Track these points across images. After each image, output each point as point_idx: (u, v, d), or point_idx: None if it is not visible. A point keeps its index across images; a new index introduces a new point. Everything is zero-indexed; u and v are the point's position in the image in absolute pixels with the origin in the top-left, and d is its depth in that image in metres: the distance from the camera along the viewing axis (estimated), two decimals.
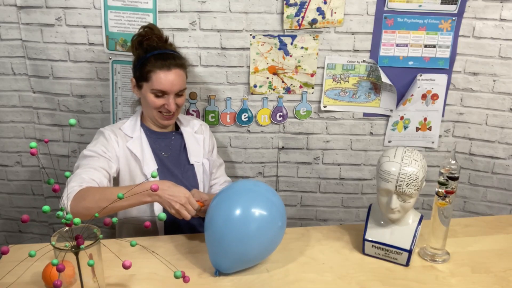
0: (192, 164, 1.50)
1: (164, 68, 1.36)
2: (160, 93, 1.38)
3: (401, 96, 1.82)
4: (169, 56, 1.39)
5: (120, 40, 1.71)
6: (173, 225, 1.42)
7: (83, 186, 1.19)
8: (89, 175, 1.25)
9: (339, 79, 1.81)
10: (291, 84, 1.81)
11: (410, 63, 1.78)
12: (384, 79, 1.76)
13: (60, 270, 0.79)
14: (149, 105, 1.40)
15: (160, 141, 1.48)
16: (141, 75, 1.40)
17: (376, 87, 1.83)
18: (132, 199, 1.16)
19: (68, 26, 1.69)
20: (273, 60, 1.76)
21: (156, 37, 1.43)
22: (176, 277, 0.87)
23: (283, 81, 1.80)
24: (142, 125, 1.48)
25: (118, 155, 1.39)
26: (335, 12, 1.70)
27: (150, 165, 1.40)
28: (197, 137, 1.54)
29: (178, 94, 1.41)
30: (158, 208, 1.37)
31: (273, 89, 1.81)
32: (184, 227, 1.44)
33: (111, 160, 1.36)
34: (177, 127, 1.56)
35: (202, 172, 1.51)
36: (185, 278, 0.88)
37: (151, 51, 1.40)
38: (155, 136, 1.48)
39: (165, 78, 1.36)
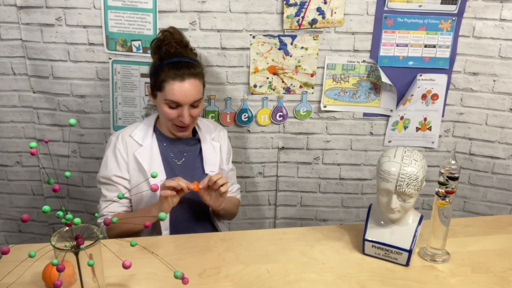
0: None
1: (178, 79, 1.29)
2: (174, 105, 1.32)
3: (401, 96, 1.82)
4: (184, 64, 1.32)
5: (120, 40, 1.71)
6: (177, 231, 1.41)
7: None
8: (109, 209, 1.38)
9: (339, 79, 1.80)
10: (291, 84, 1.81)
11: (410, 63, 1.78)
12: (384, 79, 1.76)
13: (60, 270, 0.79)
14: (164, 116, 1.36)
15: (174, 147, 1.44)
16: (155, 84, 1.35)
17: (376, 87, 1.83)
18: (145, 214, 1.31)
19: (68, 26, 1.69)
20: (273, 60, 1.76)
21: (175, 42, 1.37)
22: (176, 277, 0.87)
23: (283, 81, 1.80)
24: (156, 130, 1.44)
25: (128, 165, 1.39)
26: (335, 12, 1.70)
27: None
28: (214, 145, 1.49)
29: (193, 105, 1.34)
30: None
31: (273, 89, 1.81)
32: (188, 228, 1.43)
33: (123, 181, 1.39)
34: (194, 132, 1.50)
35: None
36: (184, 280, 0.88)
37: (168, 58, 1.34)
38: (169, 142, 1.44)
39: (179, 89, 1.29)
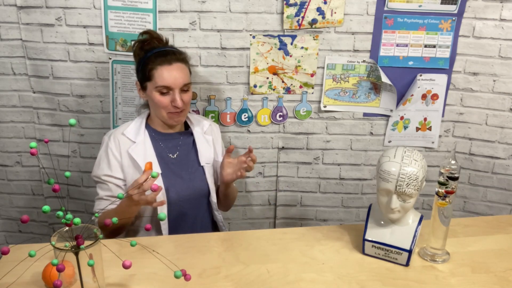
0: (202, 166, 1.47)
1: (165, 64, 1.34)
2: (165, 90, 1.35)
3: (401, 96, 1.82)
4: (169, 52, 1.38)
5: (120, 40, 1.71)
6: (177, 226, 1.42)
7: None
8: (101, 207, 1.38)
9: (339, 79, 1.81)
10: (291, 84, 1.81)
11: (410, 63, 1.78)
12: (384, 79, 1.76)
13: (60, 270, 0.79)
14: (157, 105, 1.37)
15: (168, 142, 1.45)
16: (144, 76, 1.38)
17: (376, 87, 1.83)
18: (125, 213, 1.30)
19: (68, 26, 1.69)
20: (273, 60, 1.76)
21: (156, 40, 1.42)
22: (176, 277, 0.87)
23: (283, 81, 1.80)
24: (148, 127, 1.45)
25: (122, 164, 1.39)
26: (335, 12, 1.70)
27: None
28: (207, 138, 1.51)
29: (184, 90, 1.38)
30: (160, 208, 1.36)
31: (273, 89, 1.81)
32: (187, 228, 1.43)
33: (115, 180, 1.39)
34: (186, 127, 1.53)
35: (211, 174, 1.48)
36: (186, 276, 0.88)
37: (151, 51, 1.39)
38: (162, 138, 1.45)
39: (168, 73, 1.34)
